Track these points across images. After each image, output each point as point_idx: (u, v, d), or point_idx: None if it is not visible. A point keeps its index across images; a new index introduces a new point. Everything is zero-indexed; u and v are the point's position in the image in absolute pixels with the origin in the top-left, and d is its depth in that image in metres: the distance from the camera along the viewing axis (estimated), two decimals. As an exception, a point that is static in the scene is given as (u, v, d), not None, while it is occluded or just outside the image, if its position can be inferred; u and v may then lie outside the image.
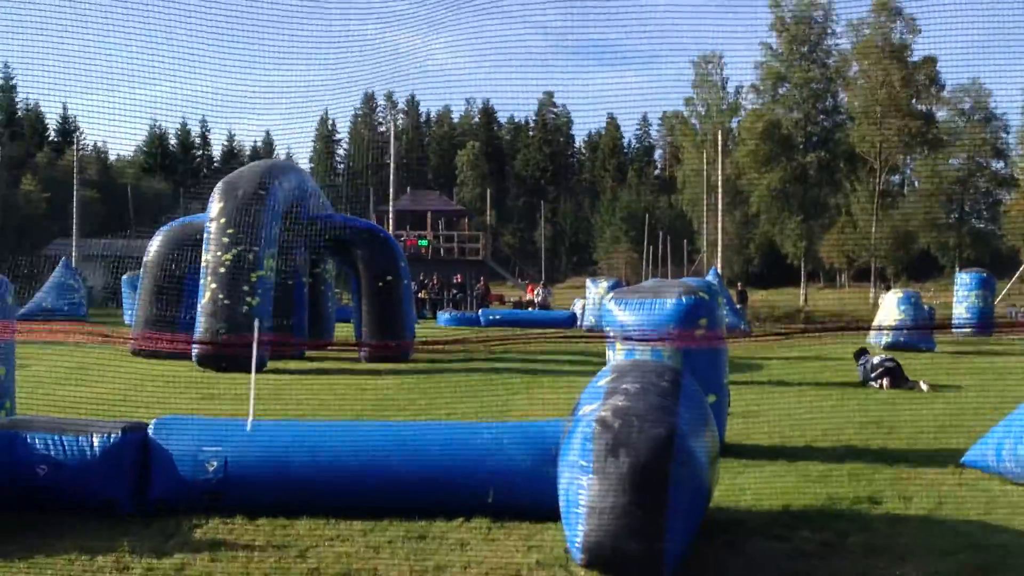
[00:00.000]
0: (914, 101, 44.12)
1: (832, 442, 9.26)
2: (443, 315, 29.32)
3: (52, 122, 76.26)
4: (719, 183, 30.17)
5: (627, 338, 8.40)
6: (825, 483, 7.45)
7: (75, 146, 37.53)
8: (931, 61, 44.55)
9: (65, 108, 75.45)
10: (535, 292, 37.24)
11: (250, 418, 6.65)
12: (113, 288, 34.64)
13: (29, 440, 6.19)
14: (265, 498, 6.24)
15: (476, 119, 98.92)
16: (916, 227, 46.86)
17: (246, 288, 15.16)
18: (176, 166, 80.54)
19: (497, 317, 28.32)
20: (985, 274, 26.72)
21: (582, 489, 5.10)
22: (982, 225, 53.23)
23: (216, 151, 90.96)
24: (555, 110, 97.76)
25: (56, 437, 6.21)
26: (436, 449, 6.28)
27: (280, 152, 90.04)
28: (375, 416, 10.67)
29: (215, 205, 15.53)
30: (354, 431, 6.53)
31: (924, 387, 13.67)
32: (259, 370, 14.99)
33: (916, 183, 54.17)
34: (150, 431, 6.42)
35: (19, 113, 70.02)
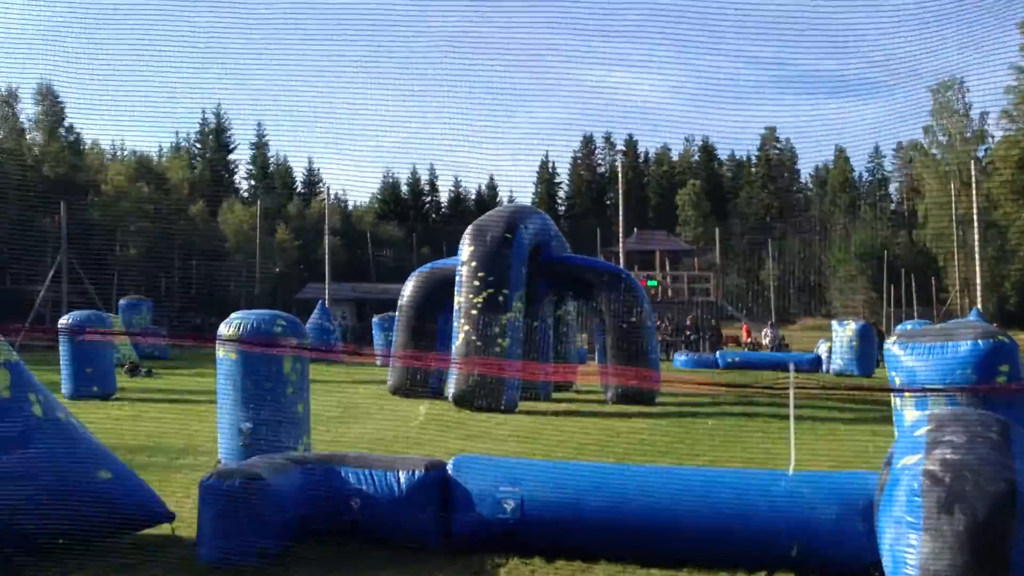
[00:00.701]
0: None
1: None
2: (679, 357, 28.95)
3: (299, 174, 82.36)
4: (974, 216, 28.14)
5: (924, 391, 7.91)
6: None
7: (326, 195, 40.19)
8: None
9: (310, 161, 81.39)
10: (758, 333, 36.09)
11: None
12: (361, 331, 36.79)
13: (343, 474, 6.59)
14: (561, 540, 6.32)
15: (696, 156, 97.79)
16: None
17: (497, 330, 15.61)
18: (407, 212, 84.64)
19: (736, 360, 27.63)
20: None
21: (911, 547, 4.80)
22: None
23: (443, 197, 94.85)
24: (778, 145, 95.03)
25: (367, 472, 6.58)
26: (732, 496, 6.14)
27: (503, 197, 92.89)
28: (636, 460, 10.62)
29: (466, 248, 16.15)
30: (648, 476, 6.49)
31: None
32: (510, 411, 15.52)
33: None
34: (449, 469, 6.67)
35: (271, 168, 76.29)
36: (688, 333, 33.89)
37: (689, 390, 17.55)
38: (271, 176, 75.70)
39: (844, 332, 25.76)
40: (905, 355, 8.08)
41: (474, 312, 15.66)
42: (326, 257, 34.36)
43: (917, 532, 4.78)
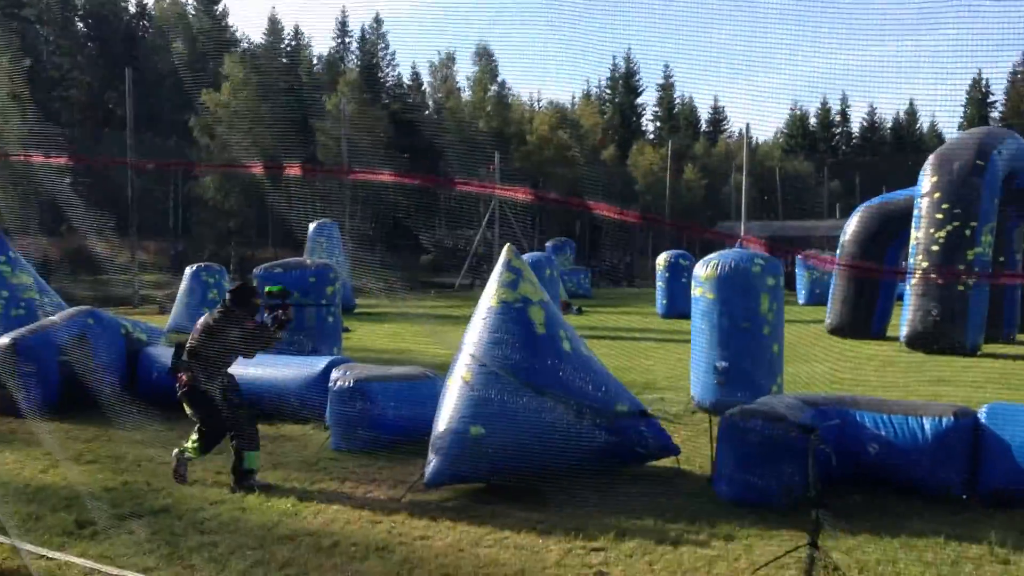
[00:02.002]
0: None
1: None
2: None
3: (704, 113, 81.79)
4: None
5: None
6: None
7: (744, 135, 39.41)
8: None
9: (716, 99, 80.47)
10: None
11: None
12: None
13: (859, 418, 6.33)
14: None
15: None
16: None
17: (961, 267, 14.30)
18: (818, 144, 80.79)
19: None
20: None
21: None
22: None
23: (855, 127, 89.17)
24: None
25: (885, 417, 6.26)
26: None
27: (924, 122, 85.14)
28: None
29: (927, 179, 14.89)
30: None
31: None
32: (971, 353, 14.20)
33: None
34: (981, 417, 6.13)
35: (676, 108, 76.56)
36: None
37: None
38: (676, 117, 76.02)
39: None
40: None
41: (935, 248, 14.45)
42: (743, 193, 33.83)
43: None
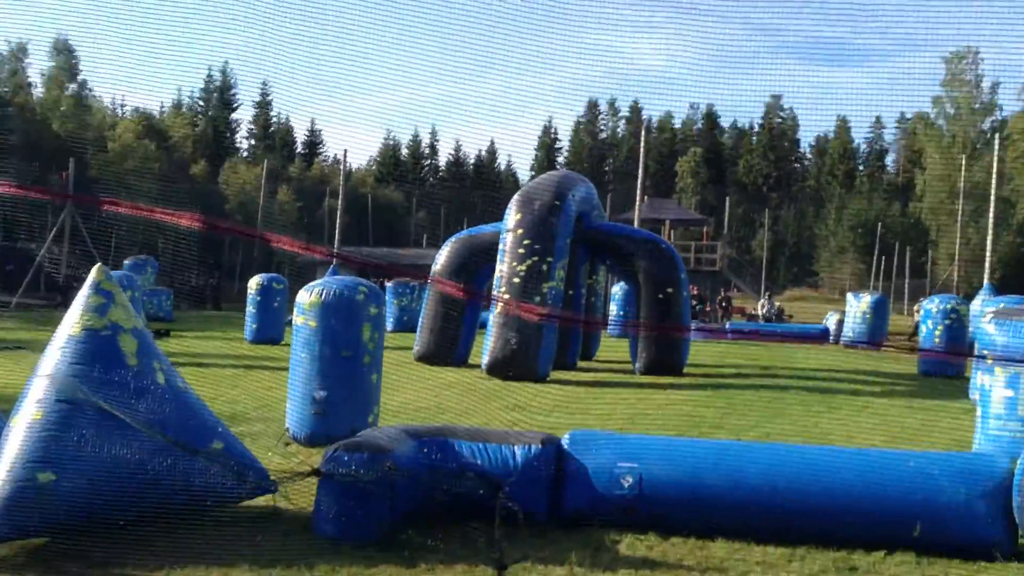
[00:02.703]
0: None
1: None
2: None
3: (300, 135, 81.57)
4: (992, 189, 28.15)
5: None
6: None
7: (345, 161, 39.80)
8: None
9: (312, 122, 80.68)
10: (754, 304, 36.07)
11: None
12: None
13: (457, 448, 6.55)
14: (678, 516, 6.31)
15: (699, 125, 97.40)
16: None
17: (538, 299, 15.57)
18: (407, 175, 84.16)
19: (745, 330, 27.76)
20: None
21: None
22: None
23: (442, 160, 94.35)
24: (782, 113, 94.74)
25: (481, 446, 6.54)
26: (858, 476, 6.15)
27: (502, 161, 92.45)
28: (692, 434, 10.61)
29: (512, 216, 16.05)
30: (770, 453, 6.50)
31: None
32: (541, 380, 15.50)
33: None
34: (564, 444, 6.64)
35: (272, 127, 75.59)
36: (695, 304, 33.90)
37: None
38: (272, 136, 75.06)
39: (859, 305, 25.82)
40: (1000, 332, 8.04)
41: (516, 280, 15.61)
42: (337, 219, 34.19)
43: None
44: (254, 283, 21.73)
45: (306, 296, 9.08)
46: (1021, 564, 5.76)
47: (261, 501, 6.63)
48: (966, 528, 5.91)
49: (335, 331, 8.93)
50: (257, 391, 12.48)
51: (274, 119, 75.96)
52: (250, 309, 21.57)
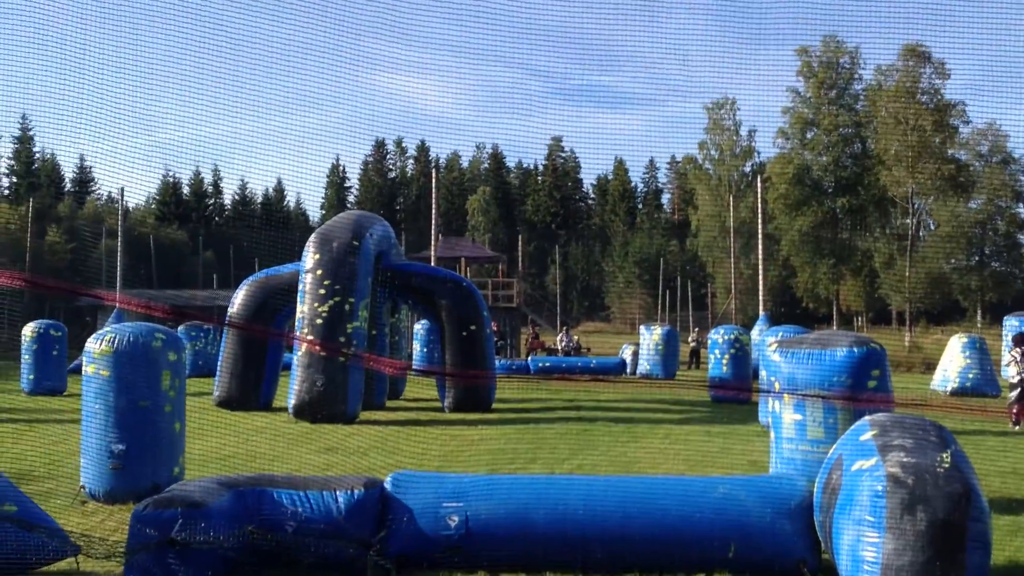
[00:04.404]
0: (944, 144, 44.74)
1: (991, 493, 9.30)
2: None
3: (69, 172, 76.64)
4: (759, 227, 30.42)
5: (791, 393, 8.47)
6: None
7: (116, 197, 37.49)
8: (952, 105, 45.47)
9: (82, 159, 75.94)
10: (553, 338, 37.11)
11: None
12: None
13: (276, 497, 6.26)
14: (506, 553, 6.30)
15: (486, 164, 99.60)
16: (940, 270, 47.31)
17: (342, 340, 15.28)
18: (190, 214, 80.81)
19: (547, 364, 28.37)
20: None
21: (872, 547, 5.17)
22: (1003, 267, 53.65)
23: (227, 199, 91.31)
24: (563, 154, 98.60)
25: (302, 494, 6.29)
26: (675, 502, 6.37)
27: (291, 199, 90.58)
28: (508, 470, 10.69)
29: (310, 256, 15.69)
30: (590, 486, 6.60)
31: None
32: (351, 421, 15.20)
33: (932, 226, 54.61)
34: (387, 486, 6.49)
35: (36, 164, 70.44)
36: (496, 340, 34.41)
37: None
38: (36, 173, 69.93)
39: (651, 336, 27.10)
40: (785, 361, 8.62)
41: (319, 321, 15.25)
42: (118, 261, 32.21)
43: (879, 532, 5.15)
44: (29, 330, 20.08)
45: (96, 345, 8.44)
46: (826, 577, 6.14)
47: (64, 565, 6.07)
48: (774, 546, 6.25)
49: (130, 380, 8.35)
50: (44, 446, 11.49)
51: (37, 155, 70.85)
52: (26, 358, 19.92)
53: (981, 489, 5.28)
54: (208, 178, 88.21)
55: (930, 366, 28.79)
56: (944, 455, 5.24)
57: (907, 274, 43.49)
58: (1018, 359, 15.14)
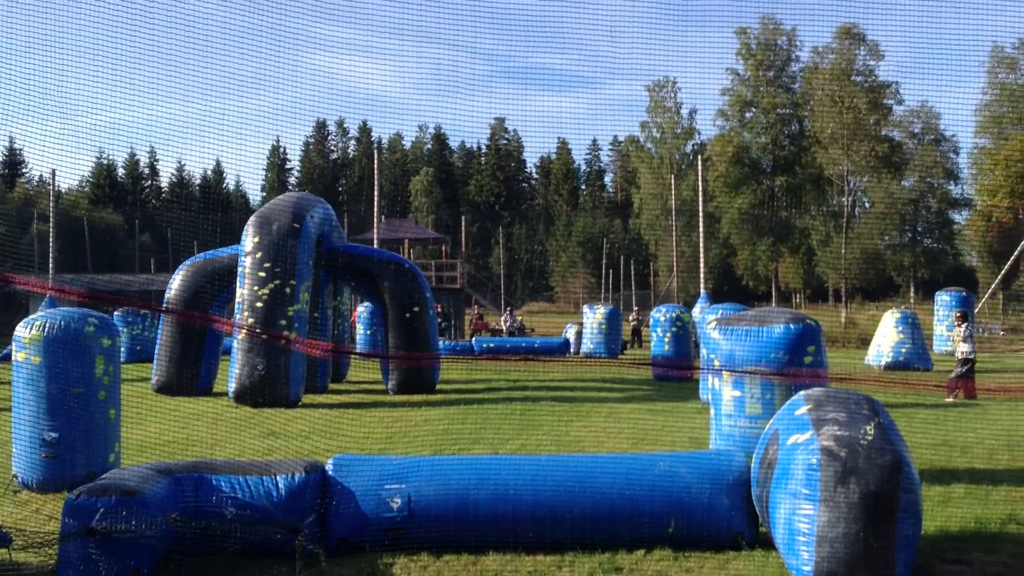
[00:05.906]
0: (878, 124, 45.71)
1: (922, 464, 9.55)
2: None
3: (-2, 153, 74.41)
4: (700, 207, 30.71)
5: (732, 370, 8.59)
6: (956, 505, 7.72)
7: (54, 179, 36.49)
8: (887, 85, 46.45)
9: (12, 140, 73.79)
10: (497, 319, 37.16)
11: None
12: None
13: (215, 483, 6.17)
14: (449, 534, 6.31)
15: (429, 145, 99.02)
16: (875, 248, 48.45)
17: (283, 323, 15.09)
18: (126, 197, 79.07)
19: (491, 345, 28.37)
20: (964, 293, 27.56)
21: (806, 518, 5.27)
22: (935, 244, 55.13)
23: (164, 181, 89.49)
24: (507, 135, 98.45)
25: (241, 479, 6.21)
26: (615, 481, 6.41)
27: (231, 181, 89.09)
28: (451, 451, 10.70)
29: (249, 239, 15.44)
30: (533, 465, 6.62)
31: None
32: (293, 405, 15.04)
33: (867, 204, 55.77)
34: (329, 470, 6.44)
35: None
36: (440, 321, 34.29)
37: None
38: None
39: (594, 316, 27.25)
40: (724, 339, 8.75)
41: (259, 304, 15.03)
42: (50, 245, 31.39)
43: (814, 504, 5.26)
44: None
45: (25, 331, 8.22)
46: (764, 551, 6.24)
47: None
48: (713, 521, 6.34)
49: (62, 367, 8.15)
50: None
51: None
52: (-52, 346, 19.38)
53: (912, 461, 5.41)
54: (144, 160, 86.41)
55: (865, 341, 29.45)
56: (868, 427, 5.35)
57: (843, 252, 44.38)
58: (966, 336, 15.67)
